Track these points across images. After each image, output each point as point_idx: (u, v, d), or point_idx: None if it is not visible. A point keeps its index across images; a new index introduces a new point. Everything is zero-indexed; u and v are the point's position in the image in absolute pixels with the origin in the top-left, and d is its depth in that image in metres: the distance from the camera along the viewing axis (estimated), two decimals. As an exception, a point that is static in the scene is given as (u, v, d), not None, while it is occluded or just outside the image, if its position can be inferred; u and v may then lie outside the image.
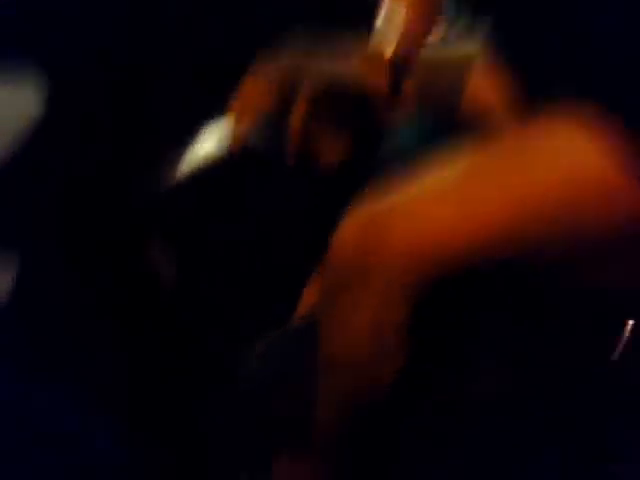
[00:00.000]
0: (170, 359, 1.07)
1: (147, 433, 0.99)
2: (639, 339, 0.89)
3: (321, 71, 0.86)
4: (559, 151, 0.89)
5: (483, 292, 0.96)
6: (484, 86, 1.04)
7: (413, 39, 0.89)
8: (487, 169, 0.90)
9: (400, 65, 0.88)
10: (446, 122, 0.98)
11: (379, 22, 0.88)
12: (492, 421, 0.90)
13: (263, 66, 0.90)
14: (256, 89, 0.91)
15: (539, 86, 0.93)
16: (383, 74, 0.88)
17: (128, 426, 0.94)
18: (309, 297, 1.20)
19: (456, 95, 1.03)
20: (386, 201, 0.91)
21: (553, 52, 0.92)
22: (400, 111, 0.92)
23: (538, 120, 0.89)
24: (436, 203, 0.90)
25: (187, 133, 1.03)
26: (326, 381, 0.91)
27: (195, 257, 1.27)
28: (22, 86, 0.89)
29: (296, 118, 0.90)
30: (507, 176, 0.89)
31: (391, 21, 0.87)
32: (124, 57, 0.98)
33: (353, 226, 0.91)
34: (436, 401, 0.93)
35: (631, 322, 0.91)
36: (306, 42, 0.88)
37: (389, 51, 0.89)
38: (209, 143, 1.32)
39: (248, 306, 1.26)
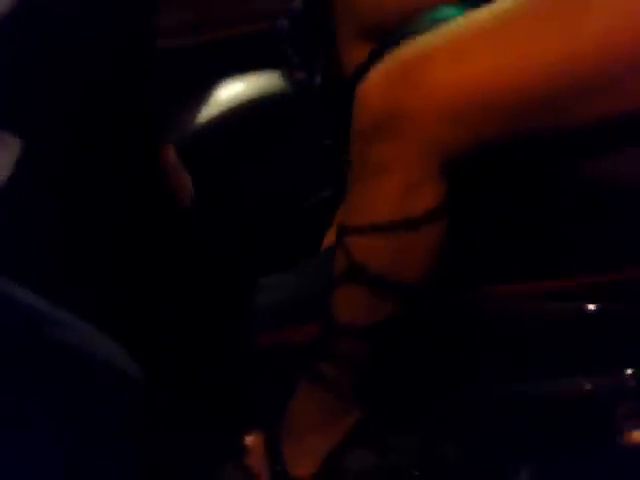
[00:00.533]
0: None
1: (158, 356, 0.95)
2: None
3: None
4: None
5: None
6: None
7: None
8: (542, 7, 0.83)
9: None
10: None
11: None
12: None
13: None
14: None
15: None
16: None
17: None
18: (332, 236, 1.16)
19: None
20: (425, 43, 0.86)
21: None
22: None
23: None
24: (481, 41, 0.84)
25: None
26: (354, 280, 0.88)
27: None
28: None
29: None
30: (565, 16, 0.82)
31: None
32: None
33: (385, 73, 0.86)
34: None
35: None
36: None
37: None
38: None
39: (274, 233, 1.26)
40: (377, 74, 0.86)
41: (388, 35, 1.01)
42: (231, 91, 1.41)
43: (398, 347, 0.92)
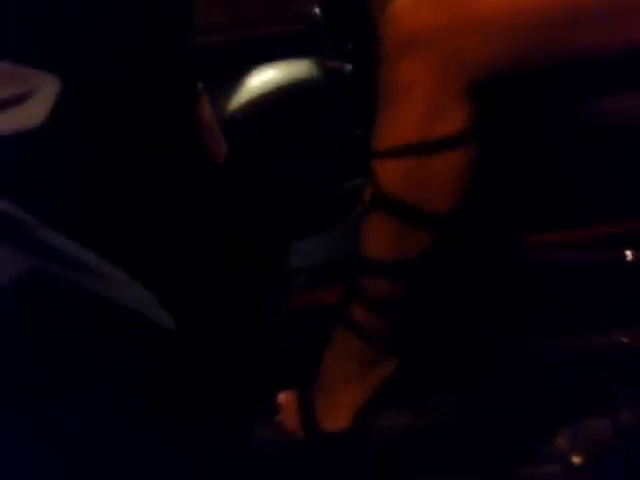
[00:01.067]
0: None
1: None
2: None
3: None
4: None
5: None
6: None
7: None
8: None
9: None
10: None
11: None
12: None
13: None
14: None
15: None
16: None
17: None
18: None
19: None
20: None
21: None
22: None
23: None
24: None
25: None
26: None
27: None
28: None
29: None
30: None
31: None
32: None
33: None
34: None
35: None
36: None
37: None
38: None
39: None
40: None
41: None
42: (263, 78, 1.44)
43: (428, 291, 0.92)
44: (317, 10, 1.46)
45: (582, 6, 0.82)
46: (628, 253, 0.92)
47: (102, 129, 0.87)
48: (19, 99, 0.79)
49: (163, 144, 0.93)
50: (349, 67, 1.46)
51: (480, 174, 0.88)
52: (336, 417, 0.97)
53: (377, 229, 0.90)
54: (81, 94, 0.82)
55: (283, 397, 1.00)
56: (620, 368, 0.94)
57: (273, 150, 1.36)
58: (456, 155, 0.86)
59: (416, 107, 0.85)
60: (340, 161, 1.42)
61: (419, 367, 0.98)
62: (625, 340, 0.94)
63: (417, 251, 0.88)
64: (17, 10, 0.78)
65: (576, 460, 0.93)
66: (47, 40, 0.80)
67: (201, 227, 0.98)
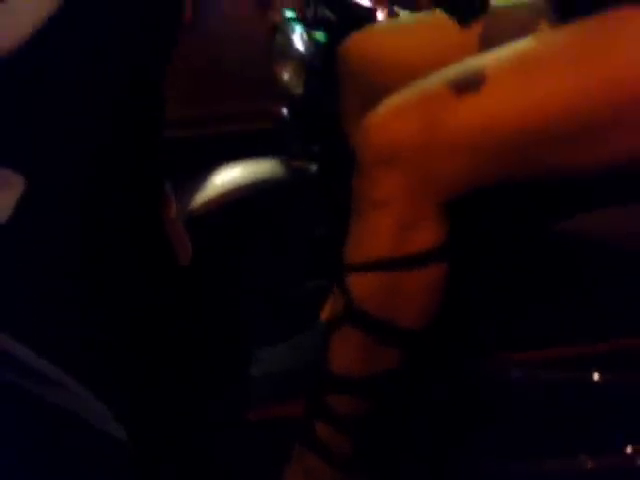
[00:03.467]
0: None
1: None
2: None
3: None
4: (629, 39, 0.83)
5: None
6: None
7: None
8: (563, 51, 0.85)
9: None
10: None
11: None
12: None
13: None
14: None
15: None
16: None
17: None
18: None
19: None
20: (431, 81, 0.86)
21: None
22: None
23: (602, 14, 0.84)
24: (491, 80, 0.83)
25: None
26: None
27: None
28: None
29: None
30: (583, 58, 0.83)
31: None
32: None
33: (390, 109, 0.85)
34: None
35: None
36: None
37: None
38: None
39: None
40: (383, 110, 0.87)
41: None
42: (230, 175, 1.43)
43: (397, 409, 0.89)
44: (284, 110, 1.48)
45: (556, 127, 0.83)
46: (596, 375, 0.91)
47: (67, 227, 0.84)
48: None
49: (128, 244, 0.91)
50: (315, 167, 1.47)
51: (454, 289, 0.87)
52: None
53: (346, 344, 0.88)
54: (46, 194, 0.79)
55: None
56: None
57: (238, 249, 1.35)
58: (430, 271, 0.85)
59: (390, 223, 0.84)
60: (304, 260, 1.41)
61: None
62: (590, 465, 0.92)
63: (387, 368, 0.86)
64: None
65: None
66: (12, 138, 0.79)
67: (160, 333, 0.95)
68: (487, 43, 1.05)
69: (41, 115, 0.79)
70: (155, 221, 0.94)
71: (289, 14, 1.50)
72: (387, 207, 0.84)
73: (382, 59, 1.05)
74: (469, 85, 0.83)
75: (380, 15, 1.55)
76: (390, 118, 0.85)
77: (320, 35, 1.44)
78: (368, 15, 1.52)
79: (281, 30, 1.43)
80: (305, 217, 1.45)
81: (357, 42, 1.15)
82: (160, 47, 0.84)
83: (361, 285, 0.86)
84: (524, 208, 0.90)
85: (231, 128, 1.79)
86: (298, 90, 1.44)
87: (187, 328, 0.98)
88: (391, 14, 1.30)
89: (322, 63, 1.40)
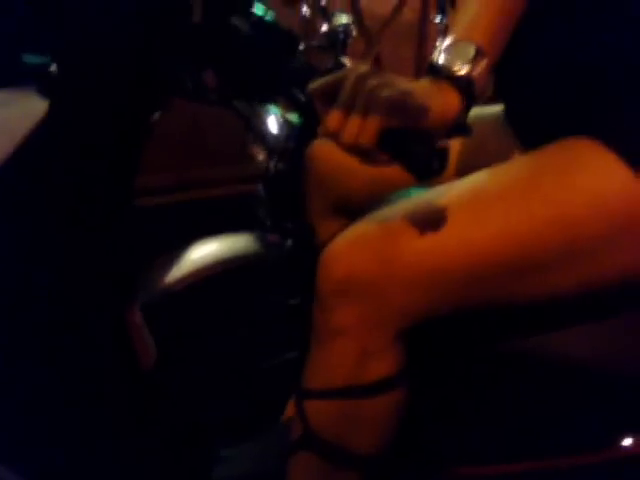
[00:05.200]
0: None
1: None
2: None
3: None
4: (582, 171, 0.85)
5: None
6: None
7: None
8: (517, 186, 0.86)
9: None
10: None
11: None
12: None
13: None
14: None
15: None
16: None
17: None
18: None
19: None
20: (390, 215, 0.87)
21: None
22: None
23: (558, 144, 0.88)
24: (447, 215, 0.84)
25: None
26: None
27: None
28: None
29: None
30: (531, 196, 0.85)
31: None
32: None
33: (349, 241, 0.86)
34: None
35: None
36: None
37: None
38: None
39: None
40: (341, 242, 0.87)
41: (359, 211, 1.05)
42: (204, 251, 1.45)
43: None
44: (260, 187, 1.50)
45: (509, 263, 0.84)
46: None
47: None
48: None
49: (94, 348, 0.93)
50: (289, 242, 1.49)
51: (413, 412, 0.88)
52: None
53: (305, 469, 0.89)
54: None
55: None
56: None
57: (212, 325, 1.37)
58: (387, 398, 0.85)
59: (347, 351, 0.85)
60: (275, 333, 1.43)
61: None
62: None
63: None
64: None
65: None
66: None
67: (127, 432, 0.97)
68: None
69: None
70: (120, 327, 0.96)
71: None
72: (344, 336, 0.84)
73: (346, 164, 1.06)
74: (427, 222, 0.84)
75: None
76: (348, 250, 0.86)
77: (294, 117, 1.47)
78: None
79: (256, 111, 1.46)
80: (279, 291, 1.47)
81: (323, 145, 1.16)
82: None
83: (318, 412, 0.87)
84: (479, 331, 0.92)
85: (210, 194, 1.81)
86: (272, 170, 1.47)
87: (149, 428, 1.00)
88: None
89: (296, 144, 1.44)
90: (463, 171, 0.99)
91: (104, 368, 0.94)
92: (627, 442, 0.92)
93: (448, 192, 0.87)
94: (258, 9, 0.80)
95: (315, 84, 0.78)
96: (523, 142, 0.97)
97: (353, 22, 1.59)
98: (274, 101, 1.27)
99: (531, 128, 0.95)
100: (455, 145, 1.08)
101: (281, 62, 0.81)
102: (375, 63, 2.86)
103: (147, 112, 0.88)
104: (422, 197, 0.88)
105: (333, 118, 0.76)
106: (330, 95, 0.77)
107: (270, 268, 1.48)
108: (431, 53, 0.83)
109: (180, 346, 1.25)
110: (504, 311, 0.88)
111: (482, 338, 0.92)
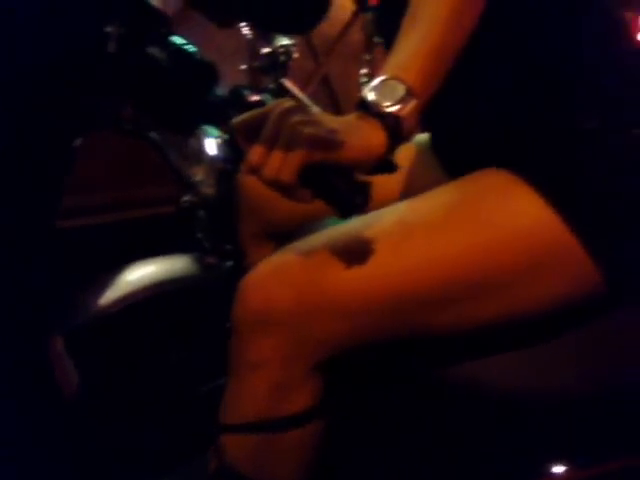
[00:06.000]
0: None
1: None
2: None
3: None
4: (498, 203, 0.86)
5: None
6: None
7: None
8: (428, 220, 0.86)
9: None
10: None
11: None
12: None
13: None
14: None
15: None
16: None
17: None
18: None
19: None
20: (304, 247, 0.86)
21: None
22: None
23: (476, 175, 0.89)
24: (363, 246, 0.83)
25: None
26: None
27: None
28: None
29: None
30: (449, 227, 0.85)
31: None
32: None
33: (265, 272, 0.85)
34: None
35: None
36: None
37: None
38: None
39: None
40: (259, 272, 0.87)
41: (286, 236, 1.05)
42: (141, 272, 1.44)
43: None
44: (199, 209, 1.49)
45: (430, 292, 0.84)
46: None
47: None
48: None
49: (12, 377, 0.91)
50: (228, 264, 1.48)
51: (334, 442, 0.88)
52: None
53: None
54: None
55: None
56: None
57: (149, 348, 1.35)
58: (304, 431, 0.85)
59: (263, 385, 0.84)
60: (213, 359, 1.41)
61: None
62: None
63: None
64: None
65: None
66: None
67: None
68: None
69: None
70: (41, 356, 0.95)
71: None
72: (262, 369, 0.83)
73: (273, 193, 1.06)
74: (347, 252, 0.83)
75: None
76: (266, 280, 0.85)
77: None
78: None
79: (195, 132, 1.45)
80: (218, 314, 1.46)
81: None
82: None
83: (236, 445, 0.86)
84: (401, 361, 0.91)
85: (145, 213, 1.79)
86: (210, 191, 1.46)
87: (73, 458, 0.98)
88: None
89: (234, 166, 1.43)
90: (391, 198, 0.99)
91: (24, 398, 0.92)
92: (558, 471, 0.92)
93: (371, 222, 0.87)
94: (177, 39, 0.79)
95: (239, 119, 0.78)
96: (448, 171, 0.98)
97: (294, 44, 1.58)
98: (192, 133, 1.26)
99: (454, 158, 0.96)
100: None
101: (199, 94, 0.80)
102: (323, 82, 2.86)
103: (65, 140, 0.86)
104: (344, 226, 0.88)
105: (255, 153, 0.76)
106: (254, 130, 0.77)
107: (208, 291, 1.46)
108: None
109: (110, 373, 1.23)
110: (426, 341, 0.88)
111: (403, 367, 0.92)
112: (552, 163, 0.85)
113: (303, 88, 2.34)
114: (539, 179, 0.84)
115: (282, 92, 1.60)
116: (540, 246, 0.84)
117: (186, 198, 1.45)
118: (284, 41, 1.58)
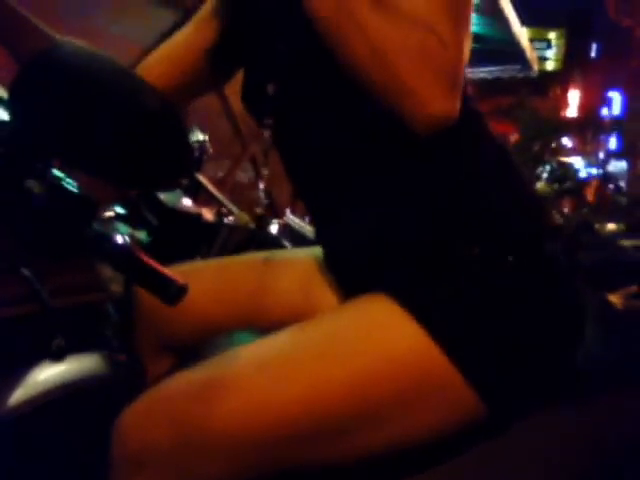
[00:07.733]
0: None
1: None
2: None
3: None
4: (375, 331, 0.87)
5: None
6: None
7: None
8: (309, 351, 0.87)
9: None
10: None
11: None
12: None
13: None
14: None
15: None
16: None
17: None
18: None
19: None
20: (182, 380, 0.88)
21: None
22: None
23: (356, 301, 0.90)
24: (244, 377, 0.84)
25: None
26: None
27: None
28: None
29: None
30: (329, 359, 0.86)
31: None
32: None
33: (139, 410, 0.87)
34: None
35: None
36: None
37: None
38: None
39: None
40: (136, 409, 0.86)
41: (187, 350, 1.03)
42: (46, 373, 1.40)
43: None
44: (108, 306, 1.47)
45: (305, 425, 0.84)
46: None
47: None
48: None
49: None
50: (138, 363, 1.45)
51: None
52: None
53: None
54: None
55: None
56: None
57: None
58: None
59: None
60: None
61: None
62: None
63: None
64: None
65: None
66: None
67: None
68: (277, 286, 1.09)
69: None
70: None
71: (119, 210, 1.52)
72: None
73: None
74: (228, 385, 0.83)
75: (208, 217, 1.59)
76: (143, 418, 0.84)
77: (143, 235, 1.46)
78: (194, 219, 1.56)
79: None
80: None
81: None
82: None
83: None
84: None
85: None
86: (118, 288, 1.45)
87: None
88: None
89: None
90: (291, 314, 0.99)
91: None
92: None
93: (252, 352, 0.87)
94: (56, 173, 0.79)
95: None
96: (341, 285, 0.99)
97: (209, 140, 1.60)
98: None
99: (343, 276, 0.97)
100: (281, 284, 1.08)
101: (76, 228, 0.79)
102: (252, 163, 2.88)
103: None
104: (224, 357, 0.87)
105: None
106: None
107: (117, 390, 1.43)
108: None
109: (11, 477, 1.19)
110: (318, 472, 0.87)
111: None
112: (429, 290, 0.86)
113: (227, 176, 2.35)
114: (416, 306, 0.84)
115: (197, 187, 1.61)
116: (419, 373, 0.84)
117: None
118: (199, 136, 1.59)
